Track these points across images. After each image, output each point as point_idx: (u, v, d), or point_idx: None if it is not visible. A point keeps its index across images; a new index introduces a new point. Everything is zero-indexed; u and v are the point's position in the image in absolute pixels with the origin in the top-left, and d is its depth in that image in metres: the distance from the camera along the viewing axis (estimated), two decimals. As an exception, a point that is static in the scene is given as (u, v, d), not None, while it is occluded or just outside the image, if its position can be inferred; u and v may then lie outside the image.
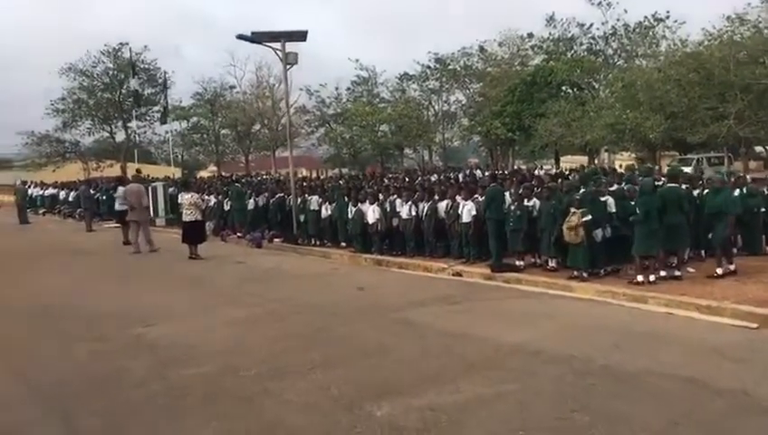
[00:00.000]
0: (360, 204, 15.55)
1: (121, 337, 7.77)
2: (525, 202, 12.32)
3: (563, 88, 42.92)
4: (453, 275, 12.58)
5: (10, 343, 7.91)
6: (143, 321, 8.52)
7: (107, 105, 47.52)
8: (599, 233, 10.98)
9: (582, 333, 7.40)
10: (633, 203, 10.87)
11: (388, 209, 15.10)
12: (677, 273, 10.53)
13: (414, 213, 14.34)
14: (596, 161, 42.49)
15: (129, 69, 38.49)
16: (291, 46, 18.64)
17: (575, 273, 11.05)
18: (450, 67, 49.16)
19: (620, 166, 35.53)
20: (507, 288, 10.77)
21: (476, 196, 13.31)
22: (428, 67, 49.67)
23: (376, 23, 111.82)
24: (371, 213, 15.01)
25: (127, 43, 39.17)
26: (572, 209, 11.00)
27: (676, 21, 38.98)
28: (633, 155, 48.05)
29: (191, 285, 11.46)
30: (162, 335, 7.83)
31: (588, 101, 38.61)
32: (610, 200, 11.25)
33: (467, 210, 13.02)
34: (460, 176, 25.81)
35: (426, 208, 14.13)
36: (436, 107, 51.55)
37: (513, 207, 12.27)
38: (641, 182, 11.04)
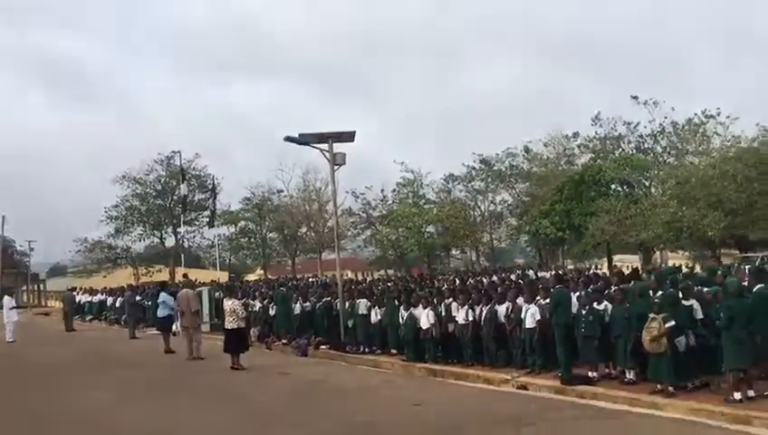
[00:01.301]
0: (412, 308, 14.63)
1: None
2: (596, 305, 11.23)
3: (613, 186, 42.11)
4: (517, 387, 11.42)
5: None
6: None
7: (158, 211, 48.43)
8: (682, 341, 9.78)
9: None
10: (718, 307, 9.73)
11: (443, 314, 14.13)
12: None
13: (471, 317, 13.32)
14: (652, 260, 40.96)
15: (179, 176, 39.26)
16: (339, 147, 18.43)
17: (659, 387, 9.80)
18: (495, 168, 49.03)
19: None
20: (583, 405, 9.55)
21: (539, 298, 12.29)
22: (474, 168, 49.64)
23: (420, 125, 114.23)
24: (425, 318, 14.05)
25: (179, 152, 40.16)
26: (652, 315, 9.90)
27: (728, 116, 38.18)
28: (688, 254, 46.37)
29: (232, 402, 10.52)
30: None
31: (640, 199, 37.59)
32: (696, 305, 10.08)
33: (531, 314, 11.99)
34: (512, 277, 24.79)
35: (484, 312, 13.11)
36: (483, 207, 51.12)
37: (584, 312, 11.17)
38: (726, 283, 9.91)
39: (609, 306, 11.16)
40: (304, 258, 54.46)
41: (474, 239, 48.96)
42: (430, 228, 48.19)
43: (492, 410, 9.11)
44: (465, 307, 13.44)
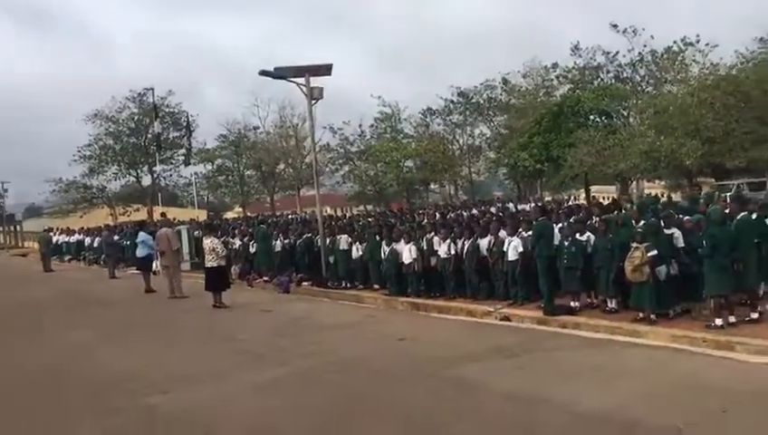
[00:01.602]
0: (394, 243, 14.55)
1: (134, 410, 6.75)
2: (578, 236, 11.20)
3: (591, 117, 41.82)
4: (501, 319, 11.47)
5: (12, 415, 6.95)
6: (160, 387, 7.52)
7: (133, 150, 47.35)
8: (662, 270, 9.82)
9: (676, 395, 6.23)
10: (701, 235, 9.72)
11: (425, 248, 14.08)
12: (754, 315, 9.22)
13: (453, 251, 13.28)
14: (630, 191, 41.25)
15: (153, 113, 38.28)
16: (316, 81, 17.94)
17: (640, 315, 9.89)
18: (473, 100, 48.54)
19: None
20: (566, 335, 9.61)
21: (521, 231, 12.23)
22: (452, 101, 49.09)
23: (397, 58, 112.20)
24: (407, 252, 13.99)
25: (151, 88, 39.04)
26: (634, 244, 9.88)
27: (707, 44, 37.80)
28: (664, 183, 46.77)
29: (214, 340, 10.42)
30: (179, 407, 6.80)
31: (619, 130, 37.46)
32: (677, 233, 10.08)
33: (513, 247, 11.95)
34: (492, 210, 24.78)
35: (466, 246, 13.06)
36: (461, 141, 50.82)
37: (566, 243, 11.13)
38: (710, 211, 9.85)
39: (592, 237, 11.14)
40: (283, 195, 54.11)
41: (453, 173, 48.80)
42: (409, 163, 47.88)
43: (475, 342, 9.13)
44: (448, 241, 13.37)
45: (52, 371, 8.94)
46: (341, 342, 9.65)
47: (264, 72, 17.43)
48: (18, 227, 60.35)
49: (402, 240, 14.48)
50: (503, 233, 12.76)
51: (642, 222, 10.75)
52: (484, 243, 12.91)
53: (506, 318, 11.40)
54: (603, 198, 41.70)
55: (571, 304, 11.13)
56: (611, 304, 10.72)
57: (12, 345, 10.99)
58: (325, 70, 17.82)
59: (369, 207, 54.74)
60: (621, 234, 10.51)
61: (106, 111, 46.59)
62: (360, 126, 49.14)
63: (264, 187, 50.28)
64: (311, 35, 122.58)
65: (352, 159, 49.35)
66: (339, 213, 41.64)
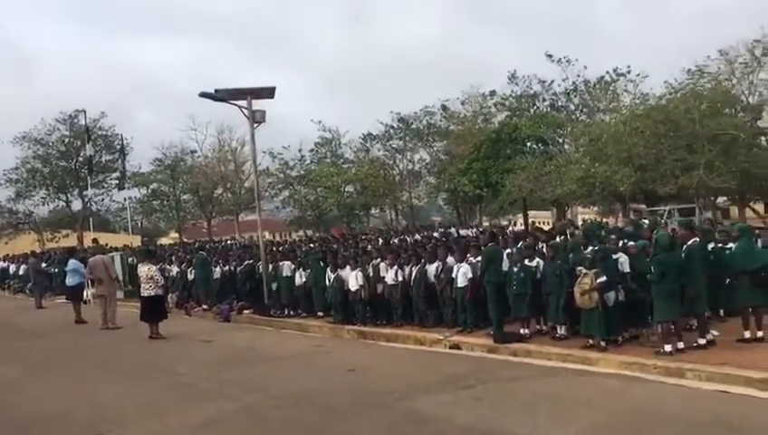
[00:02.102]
0: (339, 269, 14.23)
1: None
2: (527, 262, 11.16)
3: (528, 144, 42.78)
4: (450, 347, 11.27)
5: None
6: (91, 428, 6.95)
7: (63, 174, 45.69)
8: (611, 296, 9.85)
9: (635, 425, 6.13)
10: (648, 260, 9.79)
11: (371, 274, 13.82)
12: (702, 341, 9.31)
13: (401, 278, 13.07)
14: (566, 216, 42.16)
15: (85, 136, 36.93)
16: (257, 104, 17.59)
17: (590, 341, 9.87)
18: (413, 126, 49.02)
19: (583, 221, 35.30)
20: (519, 364, 9.46)
21: (469, 257, 12.13)
22: (392, 127, 49.47)
23: (337, 84, 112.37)
24: (353, 279, 13.70)
25: (83, 110, 37.68)
26: (582, 270, 9.88)
27: (638, 75, 39.30)
28: (596, 209, 48.05)
29: (152, 374, 9.83)
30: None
31: (555, 156, 38.35)
32: (623, 258, 10.14)
33: (462, 273, 11.82)
34: (435, 235, 24.77)
35: (414, 272, 12.88)
36: (401, 166, 51.12)
37: (515, 269, 11.07)
38: (657, 237, 9.96)
39: (541, 263, 11.11)
40: (221, 220, 53.00)
41: (393, 198, 48.97)
42: (349, 188, 47.78)
43: (427, 371, 8.88)
44: (395, 267, 13.16)
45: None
46: (289, 374, 9.23)
47: (204, 94, 16.97)
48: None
49: (348, 266, 14.19)
50: (450, 259, 12.69)
51: (590, 248, 10.80)
52: (431, 269, 12.76)
53: (456, 346, 11.21)
54: (542, 223, 42.60)
55: (521, 330, 11.05)
56: (561, 331, 10.67)
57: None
58: (267, 93, 17.46)
59: (309, 232, 54.28)
60: (570, 260, 10.52)
61: (34, 134, 44.93)
62: (300, 150, 48.91)
63: (202, 211, 49.20)
64: (246, 60, 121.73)
65: (292, 184, 48.93)
66: (278, 238, 40.88)
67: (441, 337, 11.59)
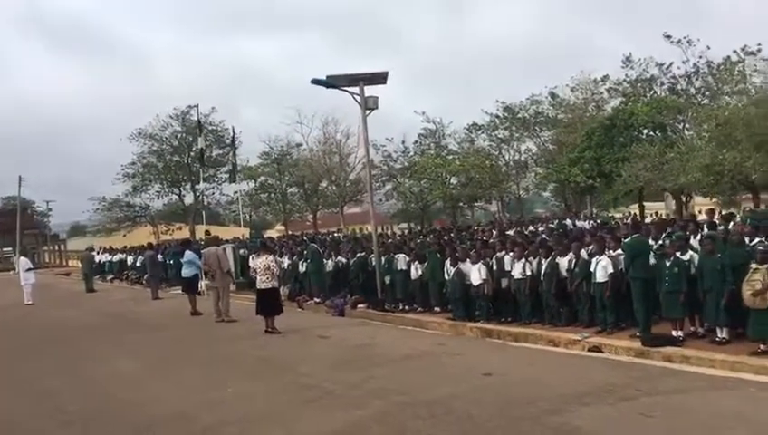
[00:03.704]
0: (459, 263, 13.32)
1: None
2: (680, 256, 9.84)
3: (645, 131, 40.30)
4: (589, 349, 10.15)
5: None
6: (215, 432, 6.42)
7: (176, 168, 47.32)
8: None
9: None
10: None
11: (495, 268, 12.84)
12: None
13: (528, 272, 12.02)
14: (690, 207, 39.43)
15: (197, 131, 37.87)
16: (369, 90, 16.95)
17: (761, 347, 8.51)
18: (519, 115, 47.36)
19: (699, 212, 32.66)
20: (680, 372, 8.21)
21: (608, 249, 10.93)
22: (497, 116, 48.01)
23: (436, 74, 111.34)
24: (476, 273, 12.77)
25: (196, 106, 38.57)
26: (754, 265, 8.53)
27: (771, 52, 35.88)
28: (715, 200, 44.69)
29: (271, 372, 9.31)
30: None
31: (676, 143, 35.78)
32: (805, 252, 8.68)
33: (602, 267, 10.64)
34: (550, 226, 23.45)
35: (544, 266, 11.80)
36: (507, 156, 49.56)
37: (667, 263, 9.78)
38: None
39: (695, 256, 9.78)
40: (326, 213, 53.31)
41: (500, 189, 47.54)
42: (453, 180, 46.76)
43: (572, 378, 7.82)
44: (522, 260, 12.13)
45: (96, 403, 7.96)
46: (417, 377, 8.40)
47: (316, 81, 16.49)
48: (62, 246, 60.75)
49: (468, 259, 13.27)
50: (584, 251, 11.56)
51: (756, 239, 9.39)
52: (564, 262, 11.66)
53: (596, 348, 10.08)
54: (656, 214, 40.01)
55: (673, 332, 9.76)
56: (722, 334, 9.33)
57: (49, 377, 10.00)
58: (380, 78, 16.82)
59: (412, 225, 53.73)
60: (735, 253, 9.15)
61: (150, 130, 46.74)
62: (404, 142, 48.33)
63: (307, 204, 49.60)
64: (345, 53, 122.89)
65: (395, 176, 48.45)
66: (382, 230, 40.48)
67: (578, 338, 10.48)
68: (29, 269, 22.93)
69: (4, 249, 61.57)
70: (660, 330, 9.99)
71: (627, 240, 10.57)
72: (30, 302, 21.75)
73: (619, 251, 10.75)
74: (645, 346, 9.46)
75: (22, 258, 24.31)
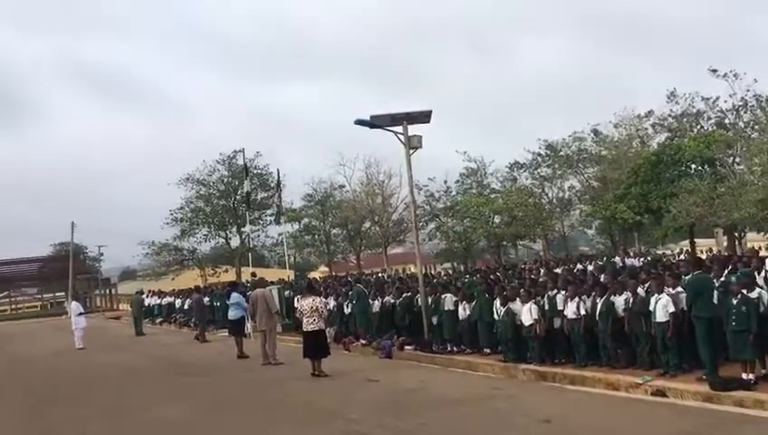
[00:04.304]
0: (510, 302, 12.96)
1: None
2: (747, 293, 9.35)
3: (693, 165, 39.48)
4: (651, 393, 9.65)
5: None
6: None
7: (222, 212, 48.04)
8: None
9: None
10: None
11: (547, 307, 12.45)
12: None
13: (583, 311, 11.61)
14: (743, 243, 38.18)
15: (242, 175, 38.47)
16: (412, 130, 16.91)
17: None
18: (561, 153, 46.93)
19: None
20: (757, 418, 7.70)
21: (668, 287, 10.47)
22: (539, 154, 47.71)
23: (473, 114, 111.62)
24: (527, 313, 12.38)
25: (242, 150, 39.22)
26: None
27: (823, 84, 34.92)
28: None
29: (320, 418, 9.04)
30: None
31: (727, 177, 34.88)
32: None
33: (662, 306, 10.17)
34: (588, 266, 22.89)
35: (599, 305, 11.37)
36: (551, 194, 48.97)
37: (734, 301, 9.30)
38: None
39: (765, 293, 9.28)
40: (369, 253, 53.24)
41: (544, 227, 46.90)
42: (497, 218, 46.34)
43: (642, 426, 7.40)
44: (576, 299, 11.72)
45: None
46: (473, 423, 8.06)
47: (360, 122, 16.54)
48: (113, 290, 61.83)
49: (519, 299, 12.91)
50: (641, 289, 11.13)
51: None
52: (620, 301, 11.20)
53: (660, 392, 9.57)
54: (705, 251, 38.84)
55: (743, 375, 9.21)
56: (798, 377, 8.77)
57: (93, 422, 9.93)
58: (423, 117, 16.80)
59: (455, 264, 53.22)
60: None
61: (197, 175, 47.70)
62: (446, 182, 48.23)
63: (350, 245, 49.64)
64: (381, 95, 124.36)
65: (438, 216, 48.26)
66: (428, 270, 40.14)
67: (640, 381, 9.98)
68: (80, 314, 23.28)
69: (57, 294, 63.03)
70: (727, 372, 9.45)
71: (688, 277, 10.11)
72: (81, 346, 22.01)
73: (679, 289, 10.30)
74: (714, 390, 8.93)
75: (73, 303, 24.75)
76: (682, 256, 28.77)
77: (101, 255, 65.78)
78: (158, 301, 35.49)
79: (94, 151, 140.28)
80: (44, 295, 67.62)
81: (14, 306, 66.45)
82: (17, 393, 13.77)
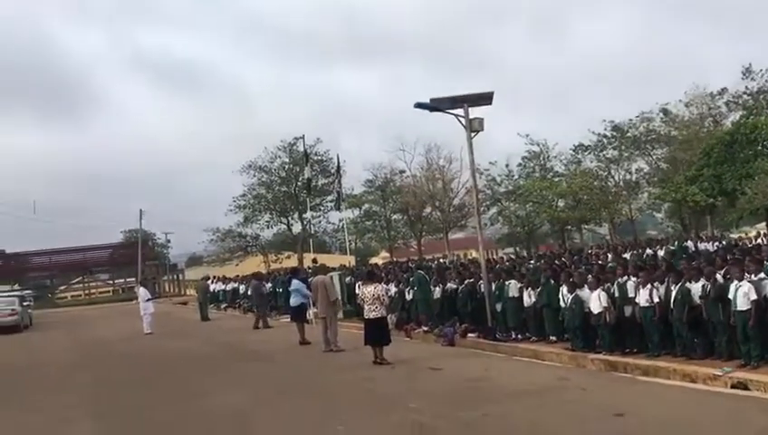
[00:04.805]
0: (577, 289, 12.49)
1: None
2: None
3: (770, 144, 37.60)
4: (731, 386, 9.08)
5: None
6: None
7: (284, 198, 48.52)
8: None
9: None
10: None
11: (617, 295, 11.93)
12: None
13: (656, 299, 11.05)
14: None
15: (303, 161, 38.71)
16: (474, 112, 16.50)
17: None
18: (629, 134, 45.41)
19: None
20: None
21: (750, 274, 9.83)
22: (605, 136, 46.27)
23: (533, 95, 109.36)
24: (596, 300, 11.91)
25: (302, 137, 39.51)
26: None
27: None
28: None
29: (381, 407, 8.87)
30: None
31: (806, 157, 33.14)
32: None
33: (743, 294, 9.56)
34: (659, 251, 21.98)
35: (674, 292, 10.79)
36: (617, 177, 47.45)
37: (825, 290, 8.65)
38: None
39: None
40: (430, 239, 52.93)
41: (611, 211, 45.53)
42: (560, 202, 45.27)
43: (725, 422, 6.91)
44: (648, 286, 11.16)
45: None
46: (540, 415, 7.72)
47: (419, 105, 16.23)
48: (180, 276, 63.60)
49: (587, 285, 12.42)
50: (718, 276, 10.51)
51: None
52: (696, 288, 10.60)
53: (741, 385, 8.99)
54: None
55: (835, 368, 8.57)
56: None
57: (158, 409, 10.04)
58: (485, 99, 16.34)
59: (518, 249, 52.39)
60: None
61: (259, 162, 48.29)
62: (508, 165, 47.39)
63: (411, 230, 49.44)
64: (438, 78, 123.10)
65: (500, 200, 47.51)
66: (490, 255, 39.59)
67: (719, 373, 9.41)
68: (148, 299, 23.86)
69: (128, 280, 65.27)
70: (816, 364, 8.81)
71: (771, 263, 9.47)
72: (149, 331, 22.56)
73: (762, 275, 9.65)
74: (801, 383, 8.34)
75: (141, 289, 25.37)
76: (760, 240, 27.44)
77: (169, 241, 67.85)
78: (223, 287, 36.16)
79: (162, 142, 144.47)
80: (116, 281, 70.12)
81: (87, 291, 69.19)
82: (87, 378, 14.12)
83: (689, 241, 26.93)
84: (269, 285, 28.25)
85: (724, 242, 25.88)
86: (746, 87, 40.80)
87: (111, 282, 70.65)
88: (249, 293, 30.62)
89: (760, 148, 36.67)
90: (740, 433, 6.46)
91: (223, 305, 34.30)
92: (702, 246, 24.53)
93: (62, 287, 69.46)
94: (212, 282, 36.26)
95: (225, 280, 37.31)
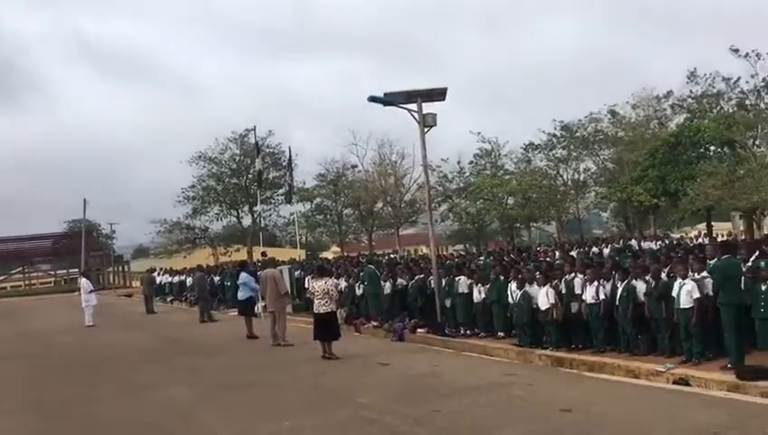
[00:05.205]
0: (526, 285, 12.60)
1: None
2: (776, 280, 8.94)
3: (713, 148, 38.85)
4: (673, 382, 9.27)
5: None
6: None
7: (234, 190, 47.83)
8: None
9: None
10: None
11: (564, 291, 12.08)
12: None
13: (602, 296, 11.22)
14: (763, 226, 37.61)
15: (254, 153, 38.21)
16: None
17: None
18: (577, 134, 46.31)
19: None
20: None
21: (692, 272, 10.06)
22: (554, 135, 47.09)
23: (482, 94, 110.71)
24: (543, 297, 12.04)
25: (253, 129, 38.96)
26: None
27: None
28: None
29: (329, 402, 8.76)
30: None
31: (747, 160, 34.21)
32: None
33: (686, 292, 9.77)
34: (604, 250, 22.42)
35: (620, 289, 10.98)
36: (565, 176, 48.38)
37: (763, 287, 8.89)
38: None
39: (795, 280, 8.87)
40: (381, 234, 52.95)
41: (558, 209, 46.41)
42: (511, 200, 45.86)
43: (665, 417, 7.01)
44: (595, 283, 11.33)
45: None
46: (488, 411, 7.71)
47: (373, 99, 16.14)
48: (126, 268, 62.07)
49: (535, 282, 12.55)
50: (663, 274, 10.74)
51: None
52: (641, 286, 10.81)
53: (683, 381, 9.19)
54: (722, 235, 38.31)
55: (771, 364, 8.82)
56: (829, 367, 8.37)
57: (97, 403, 9.72)
58: (438, 94, 16.32)
59: (468, 246, 52.90)
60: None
61: (209, 153, 47.43)
62: (459, 162, 47.72)
63: (362, 225, 49.35)
64: (389, 76, 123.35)
65: (451, 197, 47.81)
66: (440, 252, 39.80)
67: (662, 369, 9.61)
68: (91, 291, 23.16)
69: (71, 270, 63.35)
70: (753, 361, 9.06)
71: (716, 262, 9.66)
72: (91, 323, 21.90)
73: (705, 274, 9.88)
74: (741, 379, 8.54)
75: (83, 280, 24.62)
76: (700, 240, 28.30)
77: (113, 232, 66.01)
78: (170, 279, 35.45)
79: (107, 131, 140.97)
80: (58, 272, 68.03)
81: (27, 282, 66.97)
82: (25, 370, 13.61)
83: (633, 240, 27.57)
84: (217, 278, 27.79)
85: (666, 241, 26.59)
86: (691, 91, 41.93)
87: (53, 272, 68.52)
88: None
89: (703, 150, 37.83)
90: (682, 429, 6.54)
91: (169, 298, 33.63)
92: (645, 244, 25.10)
93: (1, 278, 67.10)
94: (158, 274, 35.47)
95: (171, 272, 36.59)
